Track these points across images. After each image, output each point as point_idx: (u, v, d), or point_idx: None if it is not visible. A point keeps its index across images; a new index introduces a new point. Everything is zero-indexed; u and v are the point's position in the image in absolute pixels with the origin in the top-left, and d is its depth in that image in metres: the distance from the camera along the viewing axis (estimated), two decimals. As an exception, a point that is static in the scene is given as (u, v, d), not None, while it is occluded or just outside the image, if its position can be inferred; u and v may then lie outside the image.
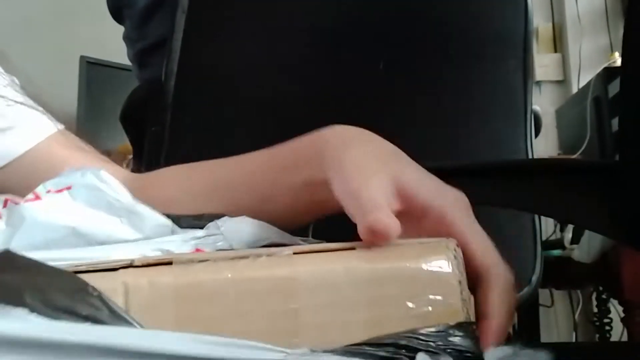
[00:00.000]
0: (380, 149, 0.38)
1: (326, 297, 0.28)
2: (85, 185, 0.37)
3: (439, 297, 0.28)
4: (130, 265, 0.27)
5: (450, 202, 0.36)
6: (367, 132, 0.40)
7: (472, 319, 0.29)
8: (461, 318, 0.28)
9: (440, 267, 0.29)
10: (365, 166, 0.36)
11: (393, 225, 0.31)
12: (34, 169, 0.55)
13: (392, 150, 0.38)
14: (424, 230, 0.35)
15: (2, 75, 0.57)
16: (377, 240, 0.30)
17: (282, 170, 0.44)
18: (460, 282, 0.29)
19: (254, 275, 0.28)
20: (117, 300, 0.26)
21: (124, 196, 0.38)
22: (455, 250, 0.29)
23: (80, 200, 0.37)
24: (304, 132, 0.43)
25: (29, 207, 0.35)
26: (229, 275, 0.27)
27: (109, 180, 0.37)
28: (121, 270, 0.27)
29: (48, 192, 0.37)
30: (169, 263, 0.28)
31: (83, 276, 0.26)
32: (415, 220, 0.35)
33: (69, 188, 0.37)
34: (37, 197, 0.36)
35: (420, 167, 0.37)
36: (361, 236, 0.31)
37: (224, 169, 0.49)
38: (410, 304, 0.28)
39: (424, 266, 0.29)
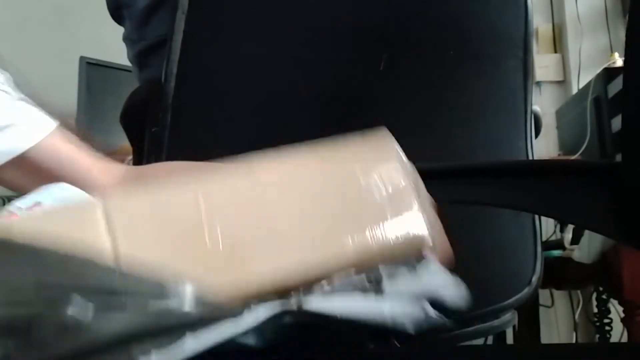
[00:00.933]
0: None
1: (293, 194, 0.32)
2: (52, 198, 0.39)
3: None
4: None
5: None
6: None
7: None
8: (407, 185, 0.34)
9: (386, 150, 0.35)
10: None
11: None
12: (40, 165, 0.55)
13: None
14: None
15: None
16: None
17: None
18: (401, 162, 0.35)
19: (221, 186, 0.31)
20: (99, 224, 0.28)
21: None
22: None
23: None
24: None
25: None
26: (199, 190, 0.31)
27: (72, 189, 0.40)
28: (97, 198, 0.30)
29: (19, 209, 0.39)
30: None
31: (62, 211, 0.30)
32: None
33: (38, 204, 0.39)
34: (14, 215, 0.38)
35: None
36: None
37: None
38: (363, 181, 0.33)
39: (372, 149, 0.35)
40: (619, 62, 1.96)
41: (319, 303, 0.29)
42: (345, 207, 0.32)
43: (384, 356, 0.49)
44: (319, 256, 0.30)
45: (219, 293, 0.27)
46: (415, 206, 0.34)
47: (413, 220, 0.33)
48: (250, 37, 0.81)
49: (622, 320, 1.57)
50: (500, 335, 1.80)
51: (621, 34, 2.35)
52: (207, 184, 0.31)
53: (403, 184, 0.34)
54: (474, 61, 0.84)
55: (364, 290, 0.30)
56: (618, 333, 1.86)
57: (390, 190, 0.33)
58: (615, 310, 1.83)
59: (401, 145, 0.39)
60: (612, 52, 2.18)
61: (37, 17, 2.22)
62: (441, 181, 0.58)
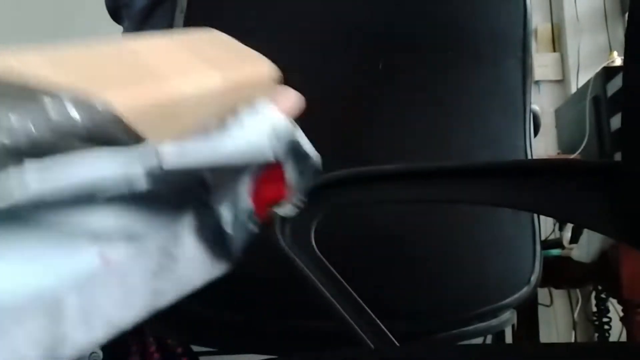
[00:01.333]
0: None
1: (156, 49, 0.40)
2: None
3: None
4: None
5: None
6: None
7: None
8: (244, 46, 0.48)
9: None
10: None
11: None
12: None
13: None
14: None
15: None
16: None
17: None
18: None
19: (110, 46, 0.37)
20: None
21: None
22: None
23: None
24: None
25: None
26: (96, 47, 0.36)
27: None
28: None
29: None
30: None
31: None
32: None
33: None
34: None
35: None
36: None
37: None
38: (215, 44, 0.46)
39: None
40: (617, 61, 1.96)
41: (179, 155, 0.32)
42: (208, 56, 0.42)
43: (384, 356, 0.49)
44: (192, 85, 0.38)
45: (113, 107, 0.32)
46: (255, 53, 0.48)
47: (258, 60, 0.49)
48: (248, 37, 0.81)
49: (621, 319, 1.57)
50: (499, 335, 1.80)
51: (620, 33, 2.35)
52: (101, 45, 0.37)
53: (238, 44, 0.48)
54: (472, 61, 0.84)
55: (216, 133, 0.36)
56: (617, 332, 1.86)
57: (233, 47, 0.48)
58: (614, 309, 1.83)
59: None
60: (611, 51, 2.18)
61: (36, 17, 2.22)
62: (440, 181, 0.58)
